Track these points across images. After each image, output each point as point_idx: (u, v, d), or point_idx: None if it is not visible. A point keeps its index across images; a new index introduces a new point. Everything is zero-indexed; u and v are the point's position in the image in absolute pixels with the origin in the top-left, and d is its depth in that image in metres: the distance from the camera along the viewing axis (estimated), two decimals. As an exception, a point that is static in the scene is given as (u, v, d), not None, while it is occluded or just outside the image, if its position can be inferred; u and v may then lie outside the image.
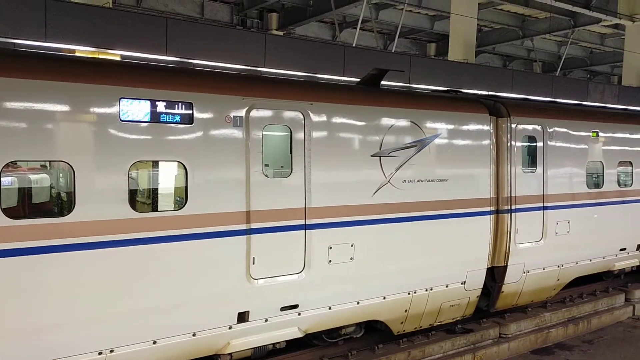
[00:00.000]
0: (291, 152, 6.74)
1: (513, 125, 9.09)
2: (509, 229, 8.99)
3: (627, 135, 11.35)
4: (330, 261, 7.01)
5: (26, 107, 5.13)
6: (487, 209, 8.73)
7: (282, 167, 6.99)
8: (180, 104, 5.94)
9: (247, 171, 6.35)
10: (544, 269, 9.77)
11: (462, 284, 8.54)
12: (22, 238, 5.09)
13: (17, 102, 5.09)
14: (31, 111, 5.16)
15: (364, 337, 8.18)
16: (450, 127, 8.24)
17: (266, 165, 6.63)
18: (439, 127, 8.09)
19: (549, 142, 9.67)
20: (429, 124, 7.98)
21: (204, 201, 6.09)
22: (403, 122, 7.70)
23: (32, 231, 5.15)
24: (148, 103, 5.75)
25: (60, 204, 5.78)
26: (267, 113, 6.56)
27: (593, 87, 19.43)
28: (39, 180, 5.97)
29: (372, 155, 7.38)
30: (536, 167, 9.52)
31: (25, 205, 5.86)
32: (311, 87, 7.40)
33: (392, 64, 11.83)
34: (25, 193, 5.86)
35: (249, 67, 11.55)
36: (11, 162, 5.13)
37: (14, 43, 8.82)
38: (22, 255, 5.10)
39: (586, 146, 10.42)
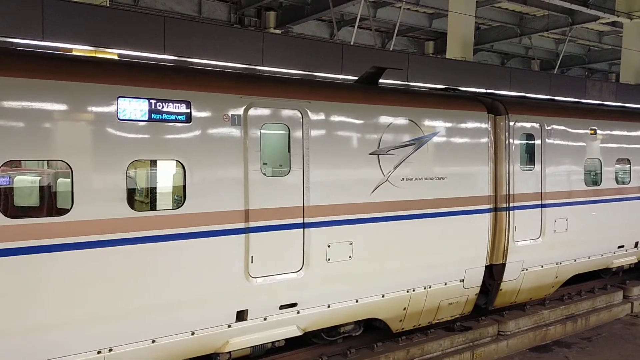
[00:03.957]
0: (289, 151, 6.73)
1: (511, 123, 9.10)
2: (507, 227, 9.00)
3: (625, 133, 11.36)
4: (328, 259, 7.01)
5: (23, 107, 5.12)
6: (486, 206, 8.73)
7: (280, 165, 6.98)
8: (178, 102, 5.93)
9: (245, 170, 6.34)
10: (542, 267, 9.78)
11: (460, 281, 8.55)
12: (20, 237, 5.08)
13: (15, 101, 5.08)
14: (29, 110, 5.14)
15: (363, 335, 8.18)
16: (449, 125, 8.24)
17: (264, 163, 6.62)
18: (437, 125, 8.09)
19: (547, 140, 9.67)
20: (427, 122, 7.98)
21: (202, 200, 6.08)
22: (401, 120, 7.70)
23: (30, 230, 5.13)
24: (146, 102, 5.74)
25: (58, 203, 5.77)
26: (265, 112, 6.55)
27: (591, 85, 19.46)
28: (37, 179, 5.96)
29: (370, 154, 7.38)
30: (534, 164, 9.52)
31: (24, 204, 5.85)
32: (309, 85, 7.40)
33: (390, 62, 11.82)
34: (23, 192, 5.85)
35: (246, 66, 11.54)
36: (9, 161, 5.11)
37: (12, 42, 8.80)
38: (20, 254, 5.09)
39: (584, 144, 10.43)
